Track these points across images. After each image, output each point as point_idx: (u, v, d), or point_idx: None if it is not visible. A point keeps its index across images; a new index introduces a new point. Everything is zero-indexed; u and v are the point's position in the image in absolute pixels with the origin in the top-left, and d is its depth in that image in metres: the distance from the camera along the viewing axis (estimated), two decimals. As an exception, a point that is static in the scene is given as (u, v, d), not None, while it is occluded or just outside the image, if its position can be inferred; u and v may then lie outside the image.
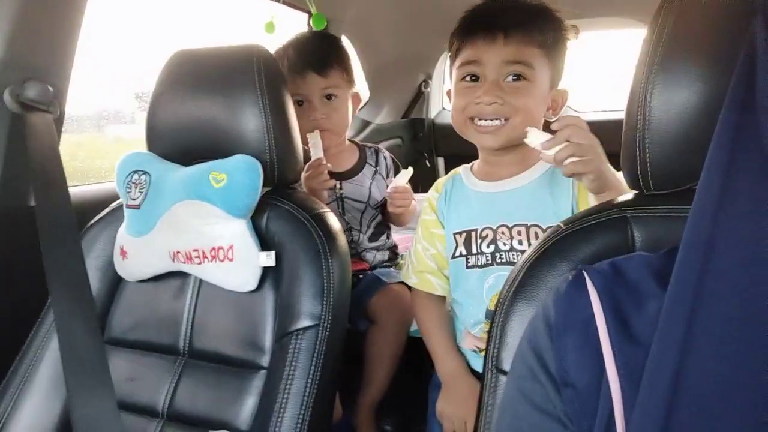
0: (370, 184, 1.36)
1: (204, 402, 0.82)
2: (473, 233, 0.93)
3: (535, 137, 0.78)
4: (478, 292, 0.91)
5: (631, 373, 0.38)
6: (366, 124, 2.31)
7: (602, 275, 0.45)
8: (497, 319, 0.61)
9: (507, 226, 0.90)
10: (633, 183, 0.58)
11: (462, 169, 1.03)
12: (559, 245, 0.61)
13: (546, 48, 0.89)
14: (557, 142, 0.74)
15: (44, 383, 0.87)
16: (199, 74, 0.88)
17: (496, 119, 0.87)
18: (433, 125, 2.72)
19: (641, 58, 0.55)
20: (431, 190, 1.05)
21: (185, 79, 0.89)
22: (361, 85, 2.32)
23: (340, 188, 1.33)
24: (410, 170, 1.25)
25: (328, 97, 1.25)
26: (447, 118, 2.71)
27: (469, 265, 0.93)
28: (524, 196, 0.90)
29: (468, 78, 0.91)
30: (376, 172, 1.38)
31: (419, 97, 2.60)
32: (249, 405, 0.79)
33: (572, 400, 0.41)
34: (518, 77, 0.87)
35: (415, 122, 2.65)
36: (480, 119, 0.89)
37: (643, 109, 0.54)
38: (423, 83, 2.57)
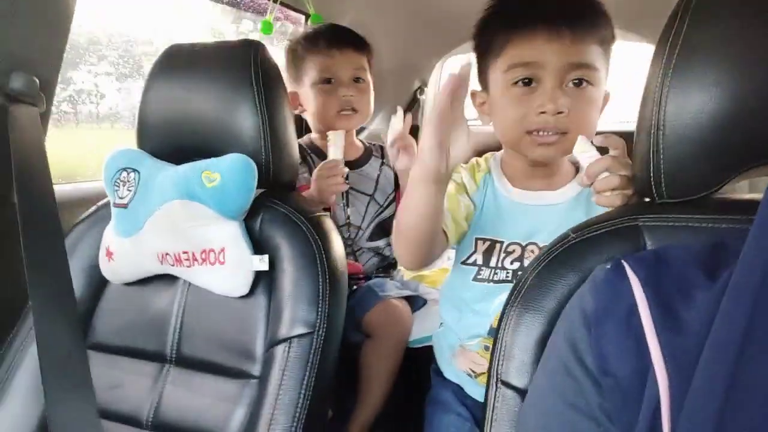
0: (378, 175, 1.36)
1: (190, 412, 0.78)
2: (498, 245, 0.84)
3: (581, 147, 0.71)
4: (481, 306, 0.84)
5: (679, 364, 0.36)
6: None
7: (644, 263, 0.43)
8: (502, 329, 0.58)
9: (537, 245, 0.82)
10: (645, 190, 0.56)
11: (493, 168, 0.89)
12: (567, 254, 0.58)
13: (604, 45, 0.78)
14: (600, 167, 0.68)
15: (22, 391, 0.83)
16: (193, 69, 0.84)
17: (559, 132, 0.76)
18: None
19: (655, 61, 0.53)
20: (466, 176, 0.88)
21: (178, 74, 0.86)
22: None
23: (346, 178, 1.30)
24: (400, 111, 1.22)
25: (356, 79, 1.29)
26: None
27: (478, 277, 0.85)
28: (560, 214, 0.82)
29: (521, 83, 0.78)
30: (383, 164, 1.38)
31: (414, 103, 2.59)
32: (238, 416, 0.76)
33: (613, 391, 0.39)
34: (580, 81, 0.76)
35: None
36: (541, 131, 0.77)
37: (658, 113, 0.52)
38: (418, 90, 2.56)
